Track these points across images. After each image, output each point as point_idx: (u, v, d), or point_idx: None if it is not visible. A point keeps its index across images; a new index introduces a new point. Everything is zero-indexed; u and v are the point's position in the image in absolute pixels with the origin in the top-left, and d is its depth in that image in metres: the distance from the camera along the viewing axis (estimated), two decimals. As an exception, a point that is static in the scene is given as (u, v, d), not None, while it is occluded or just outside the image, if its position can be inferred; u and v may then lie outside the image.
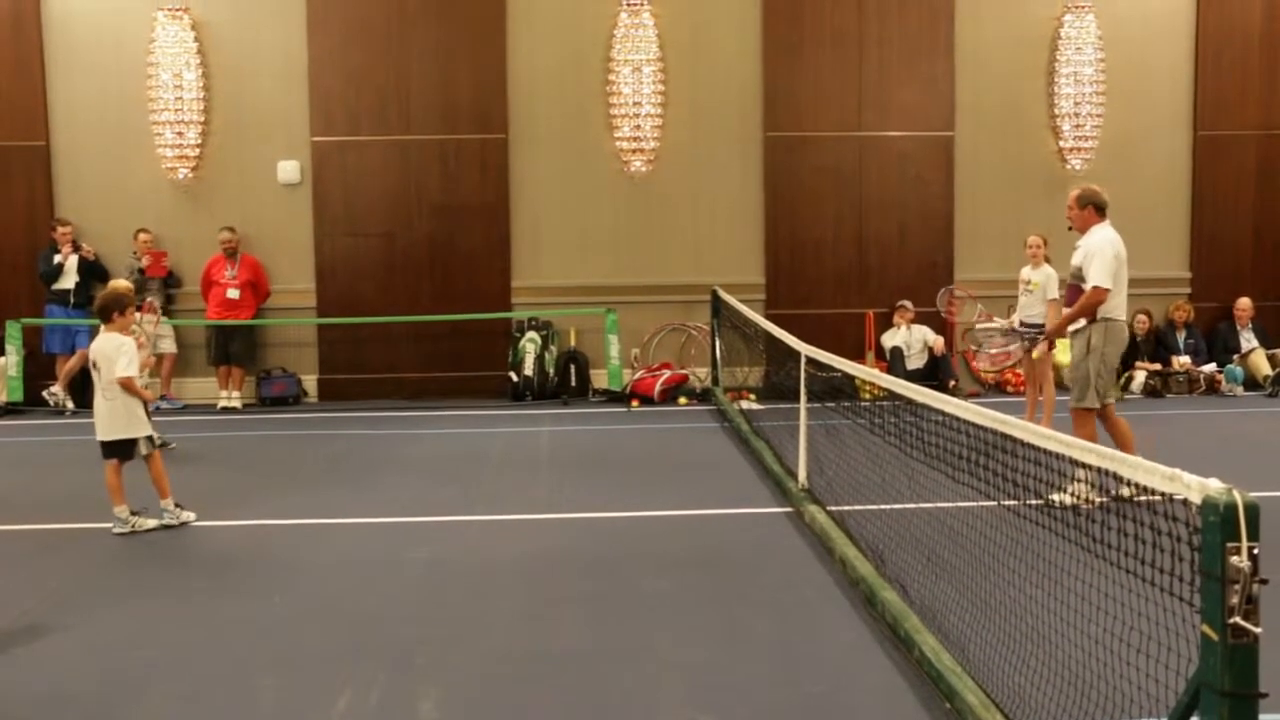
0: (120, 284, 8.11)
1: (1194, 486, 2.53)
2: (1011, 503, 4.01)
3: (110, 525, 6.41)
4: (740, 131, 12.22)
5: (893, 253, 12.37)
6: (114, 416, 6.46)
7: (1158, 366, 11.98)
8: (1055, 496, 5.33)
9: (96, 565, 5.89)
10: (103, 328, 6.63)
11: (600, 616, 4.93)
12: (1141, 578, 2.94)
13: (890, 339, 11.95)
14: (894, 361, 11.67)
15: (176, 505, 6.61)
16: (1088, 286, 6.68)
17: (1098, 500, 5.34)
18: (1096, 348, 6.71)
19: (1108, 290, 6.62)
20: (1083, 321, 6.74)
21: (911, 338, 11.92)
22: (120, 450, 6.48)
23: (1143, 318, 12.21)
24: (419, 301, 12.03)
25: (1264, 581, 2.39)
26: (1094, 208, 6.87)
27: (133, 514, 6.44)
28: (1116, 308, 6.76)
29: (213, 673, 4.31)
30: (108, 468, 6.46)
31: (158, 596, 5.32)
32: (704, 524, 6.64)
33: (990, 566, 4.46)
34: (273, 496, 7.44)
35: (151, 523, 6.48)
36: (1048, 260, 9.17)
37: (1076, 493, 5.67)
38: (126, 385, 6.44)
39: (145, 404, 6.62)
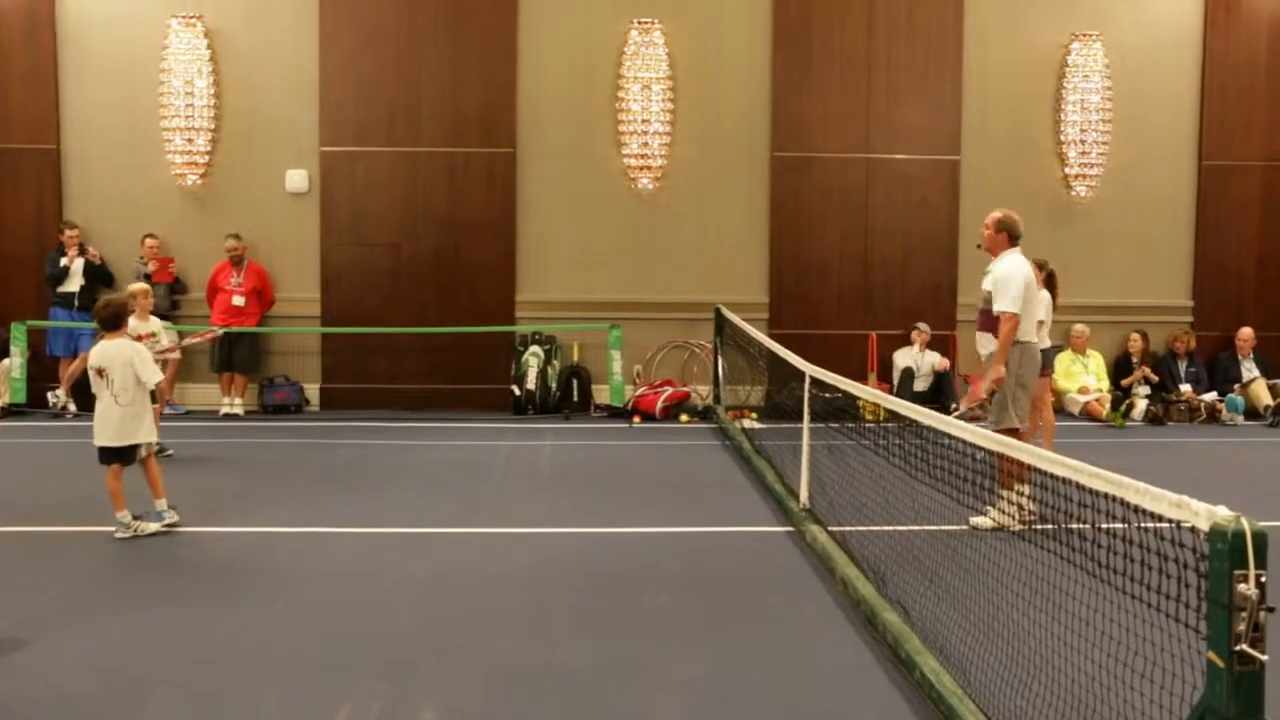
0: (135, 288, 8.27)
1: (1202, 514, 2.54)
2: (1018, 526, 4.02)
3: (111, 529, 6.41)
4: (747, 151, 12.28)
5: (897, 275, 12.41)
6: (125, 422, 6.47)
7: (1152, 374, 12.03)
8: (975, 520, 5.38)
9: (97, 570, 5.88)
10: (106, 335, 6.62)
11: (600, 632, 4.92)
12: (1147, 603, 2.95)
13: (903, 358, 11.92)
14: (902, 381, 11.65)
15: (170, 506, 6.63)
16: (998, 311, 6.91)
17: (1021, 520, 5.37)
18: (1013, 370, 6.91)
19: (1016, 315, 6.87)
20: (994, 346, 6.92)
21: (923, 360, 11.90)
22: (124, 455, 6.50)
23: (1135, 336, 12.22)
24: (423, 313, 12.06)
25: (1271, 609, 2.41)
26: (1008, 235, 7.11)
27: (134, 519, 6.44)
28: (1028, 331, 7.02)
29: (214, 681, 4.31)
30: (109, 473, 6.45)
31: (158, 603, 5.31)
32: (705, 542, 6.63)
33: (993, 589, 4.46)
34: (274, 504, 7.44)
35: (153, 527, 6.48)
36: (1047, 286, 9.14)
37: (1007, 511, 5.72)
38: (164, 388, 6.65)
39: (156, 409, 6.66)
